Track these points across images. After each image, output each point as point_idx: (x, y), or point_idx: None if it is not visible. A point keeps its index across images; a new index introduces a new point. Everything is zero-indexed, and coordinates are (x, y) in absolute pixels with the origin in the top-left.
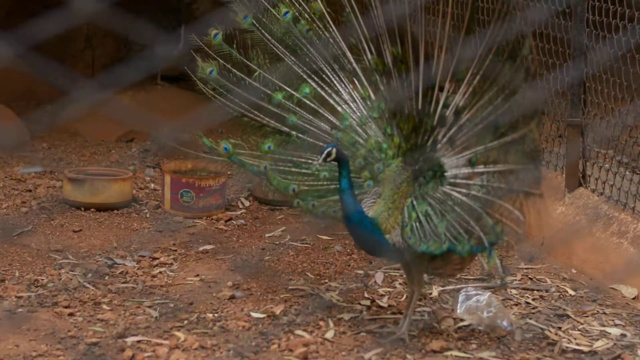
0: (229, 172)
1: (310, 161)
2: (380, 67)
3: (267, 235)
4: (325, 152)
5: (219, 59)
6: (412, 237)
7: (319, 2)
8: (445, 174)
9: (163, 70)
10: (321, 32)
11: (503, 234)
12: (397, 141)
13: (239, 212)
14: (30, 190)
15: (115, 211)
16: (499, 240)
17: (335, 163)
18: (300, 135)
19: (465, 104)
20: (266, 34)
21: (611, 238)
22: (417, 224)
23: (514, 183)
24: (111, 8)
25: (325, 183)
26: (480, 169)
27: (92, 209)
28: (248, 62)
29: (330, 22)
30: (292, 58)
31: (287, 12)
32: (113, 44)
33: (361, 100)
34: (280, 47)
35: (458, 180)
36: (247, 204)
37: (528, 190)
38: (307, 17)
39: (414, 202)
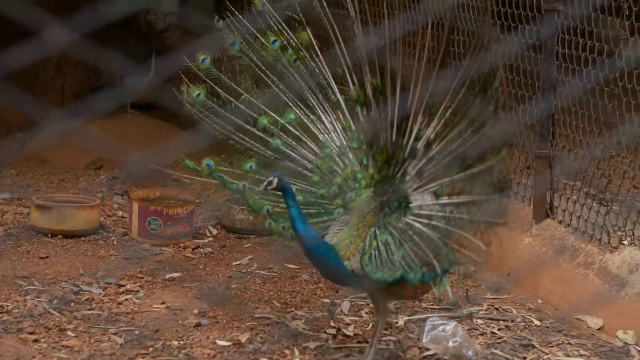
0: (197, 201)
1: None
2: (362, 98)
3: (234, 263)
4: (267, 181)
5: (209, 82)
6: (370, 264)
7: (307, 32)
8: (410, 205)
9: (133, 99)
10: (308, 62)
11: (457, 261)
12: (370, 172)
13: (206, 240)
14: None
15: (83, 238)
16: (452, 268)
17: (279, 193)
18: (281, 159)
19: (435, 136)
20: (255, 60)
21: (577, 269)
22: (376, 252)
23: (476, 214)
24: (82, 38)
25: (301, 207)
26: (445, 200)
27: (59, 236)
28: (236, 87)
29: (318, 52)
30: (280, 85)
31: (275, 41)
32: (84, 72)
33: (342, 130)
34: (268, 73)
35: (421, 212)
36: (214, 232)
37: (491, 220)
38: (295, 46)
39: (377, 231)
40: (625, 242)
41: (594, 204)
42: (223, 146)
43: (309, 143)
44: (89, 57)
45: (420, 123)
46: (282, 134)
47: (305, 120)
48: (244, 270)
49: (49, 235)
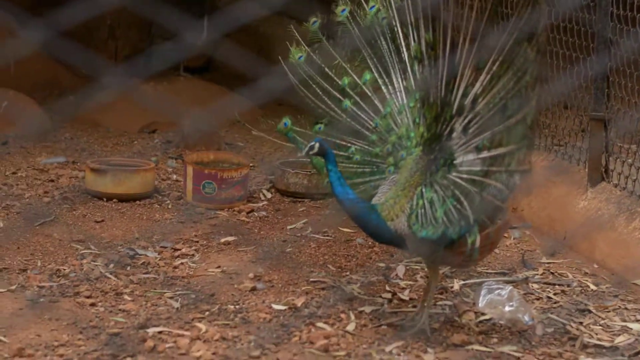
0: (251, 164)
1: (348, 145)
2: (419, 55)
3: (288, 227)
4: (309, 146)
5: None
6: (416, 223)
7: None
8: (455, 162)
9: (186, 61)
10: (393, 21)
11: (486, 210)
12: (421, 130)
13: (260, 204)
14: (52, 181)
15: (138, 202)
16: (481, 217)
17: (321, 158)
18: (349, 119)
19: (482, 90)
20: (355, 27)
21: (634, 233)
22: (422, 210)
23: (510, 164)
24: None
25: (356, 165)
26: (485, 154)
27: (115, 200)
28: (334, 53)
29: (396, 16)
30: (368, 49)
31: (373, 6)
32: (136, 34)
33: (405, 89)
34: (362, 39)
35: (463, 167)
36: (269, 195)
37: (520, 169)
38: (385, 5)
39: (423, 190)
40: None
41: None
42: (279, 109)
43: (376, 102)
44: (142, 16)
45: (469, 78)
46: (353, 94)
47: (379, 80)
48: (299, 234)
49: (104, 199)
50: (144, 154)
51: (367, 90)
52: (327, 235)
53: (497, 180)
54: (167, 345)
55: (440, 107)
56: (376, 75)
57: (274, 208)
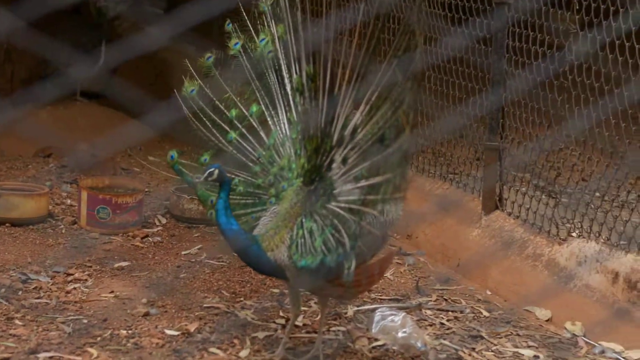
0: (146, 190)
1: (233, 177)
2: (300, 87)
3: (183, 252)
4: (207, 172)
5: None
6: (296, 253)
7: (282, 25)
8: (334, 192)
9: (83, 87)
10: (278, 54)
11: (361, 235)
12: (302, 161)
13: (155, 230)
14: None
15: (31, 226)
16: (357, 242)
17: (217, 184)
18: (234, 151)
19: (361, 121)
20: (245, 61)
21: (526, 261)
22: (302, 240)
23: (387, 191)
24: (29, 25)
25: (239, 197)
26: (362, 183)
27: (7, 224)
28: (225, 86)
29: (281, 49)
30: (257, 82)
31: (263, 39)
32: (33, 59)
33: (287, 122)
34: (252, 72)
35: (342, 197)
36: (164, 221)
37: (394, 197)
38: (272, 39)
39: (303, 220)
40: (574, 234)
41: (543, 197)
42: (170, 137)
43: (261, 134)
44: (37, 45)
45: (348, 110)
46: (241, 126)
47: (265, 112)
48: (193, 260)
49: None
50: (39, 179)
51: (253, 122)
52: (222, 261)
53: (374, 209)
54: None
55: (321, 138)
56: (263, 107)
57: (169, 234)
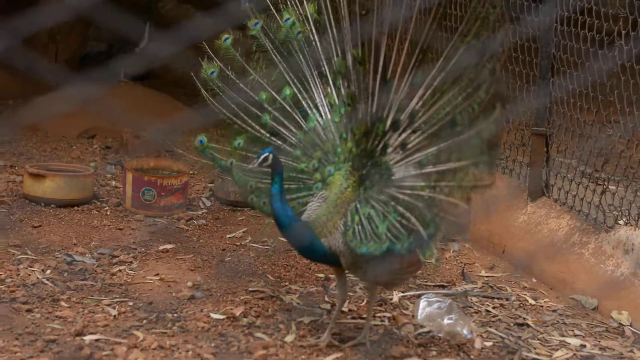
0: (191, 172)
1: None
2: (342, 70)
3: (228, 235)
4: (262, 157)
5: (218, 61)
6: (354, 239)
7: (313, 4)
8: (392, 177)
9: (127, 67)
10: (309, 35)
11: (442, 225)
12: (349, 146)
13: (200, 212)
14: None
15: (76, 208)
16: (437, 232)
17: (269, 170)
18: (269, 135)
19: (422, 105)
20: (268, 42)
21: (572, 248)
22: (359, 226)
23: (464, 178)
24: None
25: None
26: (429, 169)
27: (53, 205)
28: (247, 67)
29: (314, 30)
30: (284, 64)
31: (288, 19)
32: (77, 39)
33: (328, 105)
34: (277, 54)
35: (404, 183)
36: (208, 204)
37: (477, 184)
38: (301, 19)
39: (358, 206)
40: (621, 222)
41: (590, 183)
42: (215, 124)
43: (297, 117)
44: (83, 21)
45: (404, 93)
46: (272, 109)
47: (299, 96)
48: (238, 243)
49: (42, 204)
50: (83, 160)
51: (286, 106)
52: (267, 245)
53: (448, 196)
54: (104, 353)
55: (371, 122)
56: (295, 90)
57: (214, 216)
